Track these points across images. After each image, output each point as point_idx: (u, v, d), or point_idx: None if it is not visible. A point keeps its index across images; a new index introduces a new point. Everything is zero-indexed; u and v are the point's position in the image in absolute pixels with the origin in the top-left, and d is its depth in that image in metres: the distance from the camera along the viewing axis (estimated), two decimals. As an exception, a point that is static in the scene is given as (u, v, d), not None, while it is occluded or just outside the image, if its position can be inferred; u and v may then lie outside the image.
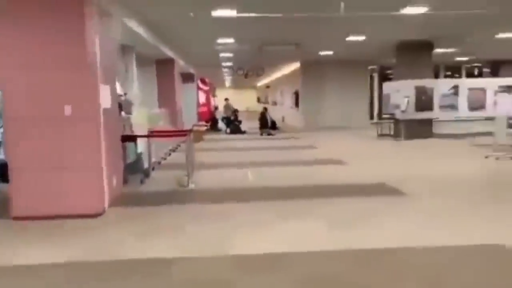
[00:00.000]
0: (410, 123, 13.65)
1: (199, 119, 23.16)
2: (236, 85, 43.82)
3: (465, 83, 14.00)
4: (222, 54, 15.94)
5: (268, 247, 4.17)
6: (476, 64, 24.34)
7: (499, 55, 20.18)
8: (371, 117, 21.50)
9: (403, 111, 13.65)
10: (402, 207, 5.57)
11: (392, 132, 14.74)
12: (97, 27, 5.74)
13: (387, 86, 15.53)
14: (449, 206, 5.57)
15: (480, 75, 23.69)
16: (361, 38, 12.49)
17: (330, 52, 16.33)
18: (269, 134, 16.84)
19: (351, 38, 12.52)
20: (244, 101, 47.78)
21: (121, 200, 6.26)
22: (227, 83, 40.94)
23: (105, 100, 5.94)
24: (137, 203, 6.19)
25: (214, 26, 10.28)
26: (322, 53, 16.38)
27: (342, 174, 8.14)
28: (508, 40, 13.28)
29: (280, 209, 5.62)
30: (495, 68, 22.81)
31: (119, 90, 7.95)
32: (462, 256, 3.88)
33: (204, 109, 27.48)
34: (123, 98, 8.03)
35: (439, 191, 6.47)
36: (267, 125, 17.59)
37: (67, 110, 5.36)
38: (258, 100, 47.52)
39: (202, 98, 26.73)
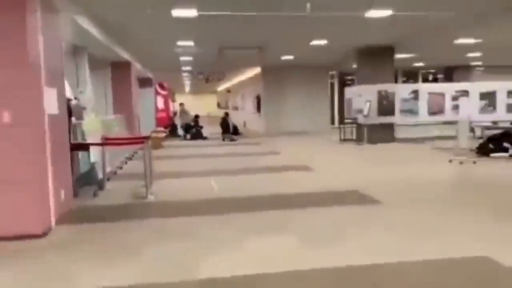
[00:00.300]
0: (372, 127, 13.65)
1: (158, 125, 22.39)
2: (196, 90, 43.07)
3: (425, 88, 14.15)
4: (182, 58, 15.36)
5: (238, 268, 3.72)
6: (431, 70, 25.08)
7: (453, 61, 20.83)
8: (332, 122, 21.57)
9: (365, 116, 13.61)
10: (379, 218, 5.28)
11: (354, 137, 14.71)
12: (41, 23, 5.10)
13: (349, 91, 15.51)
14: (427, 214, 5.34)
15: (435, 80, 24.40)
16: (324, 42, 12.33)
17: (291, 57, 16.14)
18: (231, 140, 16.39)
19: (315, 42, 12.34)
20: (204, 106, 47.10)
21: (71, 217, 5.62)
22: (187, 88, 40.14)
23: (51, 104, 5.29)
24: (89, 219, 5.56)
25: (173, 27, 9.75)
26: (284, 57, 16.16)
27: (310, 181, 7.83)
28: (465, 45, 13.58)
29: (249, 222, 5.19)
30: (449, 74, 23.55)
31: (69, 94, 7.26)
32: (451, 270, 3.60)
33: (163, 114, 26.64)
34: (73, 102, 7.32)
35: (413, 198, 6.26)
36: (229, 130, 17.15)
37: (5, 116, 4.68)
38: (219, 105, 46.97)
39: (160, 103, 25.95)
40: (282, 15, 8.69)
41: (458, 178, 8.09)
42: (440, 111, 14.15)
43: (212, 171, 9.15)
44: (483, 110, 14.12)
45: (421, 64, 21.19)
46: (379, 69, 13.97)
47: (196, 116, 18.39)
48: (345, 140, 14.68)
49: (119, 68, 13.07)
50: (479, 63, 22.13)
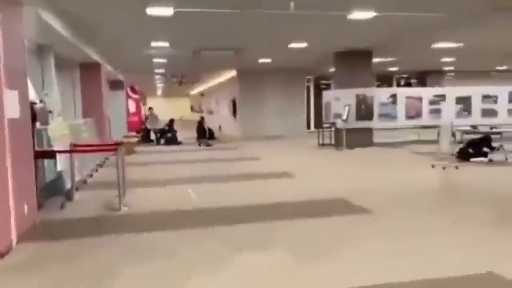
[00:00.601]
0: (351, 132, 13.47)
1: (129, 130, 21.65)
2: (168, 93, 42.26)
3: (403, 92, 14.12)
4: (155, 60, 14.79)
5: (228, 292, 3.31)
6: (404, 75, 25.34)
7: (427, 66, 21.07)
8: (308, 127, 21.39)
9: (344, 120, 13.43)
10: (372, 228, 4.96)
11: (332, 141, 14.51)
12: (0, 17, 4.55)
13: (327, 95, 15.32)
14: (422, 227, 5.04)
15: (409, 85, 24.64)
16: (303, 45, 12.07)
17: (269, 60, 15.84)
18: (207, 145, 15.88)
19: (293, 45, 12.06)
20: (177, 110, 46.31)
21: (35, 233, 5.05)
22: (159, 91, 39.29)
23: (12, 108, 4.73)
24: (56, 236, 5.01)
25: (148, 26, 9.23)
26: (261, 60, 15.83)
27: (294, 188, 7.48)
28: (443, 50, 13.62)
29: (234, 237, 4.77)
30: (422, 79, 23.85)
31: (33, 96, 6.66)
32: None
33: (135, 118, 25.93)
34: (38, 106, 6.73)
35: (403, 207, 5.99)
36: (204, 135, 16.66)
37: (-43, 121, 4.12)
38: (192, 109, 46.26)
39: (132, 107, 25.19)
40: (263, 15, 8.36)
41: (444, 185, 7.92)
42: (418, 115, 14.15)
43: (189, 178, 8.68)
44: (458, 114, 14.23)
45: (395, 68, 21.35)
46: (358, 73, 13.83)
47: (171, 121, 17.80)
48: (323, 145, 14.46)
49: (89, 70, 12.41)
50: (451, 68, 22.51)
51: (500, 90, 14.68)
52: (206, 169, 10.03)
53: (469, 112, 14.34)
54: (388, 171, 9.28)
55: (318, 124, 22.55)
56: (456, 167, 9.06)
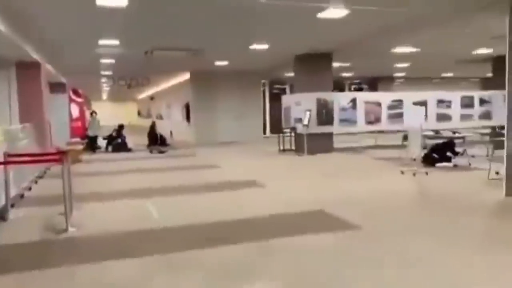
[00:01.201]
0: (311, 137, 13.08)
1: (72, 135, 20.06)
2: (114, 97, 40.31)
3: (362, 97, 13.96)
4: (103, 60, 13.62)
5: None
6: (355, 80, 25.65)
7: (380, 72, 21.37)
8: (264, 132, 20.93)
9: (305, 125, 13.01)
10: (371, 251, 4.33)
11: (293, 147, 14.07)
12: None
13: (287, 99, 14.89)
14: (419, 243, 4.57)
15: (360, 90, 24.94)
16: (264, 46, 11.52)
17: (226, 62, 15.16)
18: (160, 152, 14.88)
19: (255, 46, 11.47)
20: (124, 115, 44.22)
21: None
22: (105, 95, 37.33)
23: None
24: (-15, 270, 4.01)
25: (96, 21, 8.26)
26: (218, 63, 15.12)
27: (267, 199, 6.84)
28: (400, 55, 13.63)
29: (211, 265, 4.03)
30: (373, 84, 24.24)
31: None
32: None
33: (78, 124, 24.22)
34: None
35: (388, 219, 5.54)
36: (157, 141, 15.62)
37: None
38: (139, 113, 44.43)
39: (75, 111, 23.48)
40: (226, 12, 7.70)
41: (421, 193, 7.54)
42: (377, 120, 14.05)
43: (146, 190, 7.78)
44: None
45: (349, 74, 21.45)
46: (318, 77, 13.48)
47: (120, 126, 16.57)
48: (284, 150, 13.96)
49: (27, 70, 11.04)
50: (402, 74, 23.03)
51: (453, 95, 14.96)
52: (163, 180, 9.14)
53: (426, 117, 14.45)
54: (358, 178, 8.88)
55: (275, 129, 22.24)
56: (426, 173, 8.84)
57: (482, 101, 15.08)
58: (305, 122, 13.03)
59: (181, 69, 17.93)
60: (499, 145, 9.23)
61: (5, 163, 5.61)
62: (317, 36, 10.28)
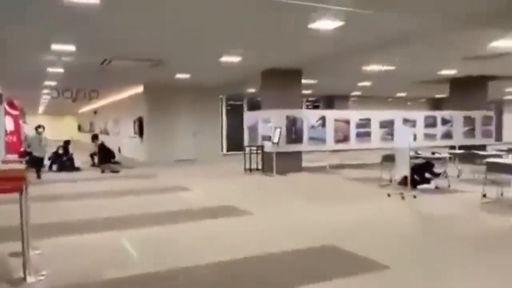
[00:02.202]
0: (280, 156, 12.41)
1: (7, 152, 17.92)
2: (52, 111, 37.40)
3: (331, 114, 13.56)
4: (50, 69, 12.11)
5: None
6: (311, 98, 25.56)
7: (337, 91, 21.35)
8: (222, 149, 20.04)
9: (275, 143, 12.32)
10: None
11: (258, 166, 13.28)
12: None
13: (251, 116, 14.14)
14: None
15: (317, 107, 24.84)
16: (236, 59, 10.75)
17: (187, 76, 14.19)
18: (113, 171, 13.46)
19: (225, 58, 10.67)
20: (63, 129, 41.37)
21: None
22: (41, 108, 34.49)
23: None
24: None
25: (55, 21, 7.06)
26: (178, 76, 14.10)
27: (261, 232, 5.98)
28: (370, 73, 13.45)
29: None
30: (329, 102, 24.23)
31: None
32: None
33: (13, 138, 21.93)
34: None
35: (410, 254, 4.90)
36: (109, 159, 14.17)
37: None
38: (80, 128, 41.64)
39: (9, 125, 21.20)
40: (202, 16, 6.87)
41: (423, 219, 7.01)
42: (345, 139, 13.69)
43: (115, 220, 6.62)
44: (383, 138, 14.17)
45: (307, 91, 21.21)
46: (287, 93, 12.94)
47: (66, 142, 14.94)
48: (250, 170, 13.14)
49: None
50: (357, 93, 23.23)
51: (417, 115, 15.05)
52: (131, 206, 7.94)
53: (392, 136, 14.35)
54: (345, 202, 8.25)
55: (232, 146, 21.42)
56: (414, 196, 8.41)
57: (444, 121, 15.29)
58: (275, 140, 12.34)
59: (134, 81, 16.63)
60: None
61: None
62: (299, 48, 9.65)
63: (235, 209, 7.41)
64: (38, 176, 11.81)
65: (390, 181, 10.22)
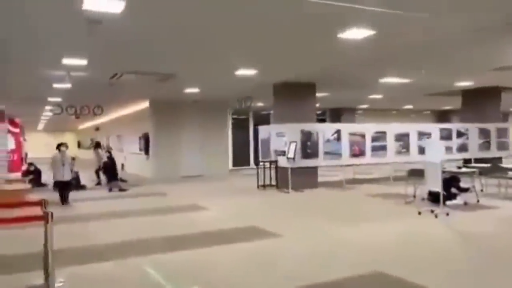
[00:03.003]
0: (295, 171, 11.98)
1: (9, 170, 17.41)
2: (51, 127, 36.89)
3: (346, 128, 13.16)
4: (56, 85, 11.71)
5: None
6: (318, 111, 25.24)
7: (345, 103, 21.03)
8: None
9: (291, 158, 11.89)
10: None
11: (272, 182, 12.81)
12: None
13: (265, 130, 13.73)
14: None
15: (323, 121, 24.50)
16: (252, 72, 10.39)
17: (196, 90, 13.81)
18: (120, 189, 12.97)
19: (241, 72, 10.30)
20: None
21: None
22: (41, 125, 34.01)
23: None
24: None
25: (69, 33, 6.67)
26: (188, 90, 13.73)
27: (297, 256, 5.51)
28: (386, 84, 13.11)
29: None
30: (336, 115, 23.89)
31: None
32: None
33: (14, 156, 21.44)
34: None
35: (462, 278, 4.45)
36: (116, 176, 13.67)
37: None
38: (79, 145, 41.06)
39: (11, 143, 20.72)
40: (222, 31, 6.51)
41: (464, 240, 6.48)
42: (361, 153, 13.28)
43: (135, 244, 6.14)
44: (398, 152, 13.79)
45: (317, 105, 20.90)
46: (301, 107, 12.58)
47: (72, 159, 14.42)
48: (264, 186, 12.67)
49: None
50: (364, 106, 22.94)
51: (433, 127, 14.70)
52: (148, 227, 7.47)
53: (407, 149, 13.99)
54: (377, 222, 7.75)
55: (238, 161, 20.98)
56: (447, 214, 7.97)
57: (459, 134, 14.94)
58: (290, 155, 11.92)
59: (140, 96, 16.26)
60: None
61: None
62: (319, 60, 9.28)
63: (262, 230, 6.94)
64: (63, 201, 10.18)
65: (414, 196, 9.83)
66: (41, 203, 4.30)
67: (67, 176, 10.34)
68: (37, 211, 4.41)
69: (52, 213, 3.73)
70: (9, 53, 7.93)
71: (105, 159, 14.31)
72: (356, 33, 6.73)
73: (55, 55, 8.14)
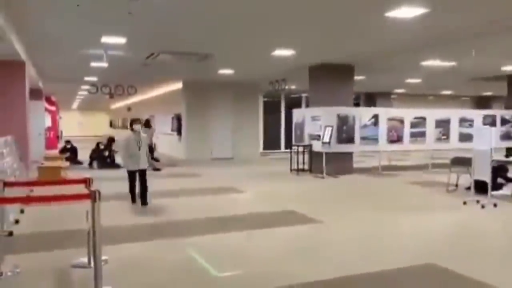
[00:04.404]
0: (330, 156, 11.69)
1: (46, 147, 17.91)
2: (85, 106, 37.68)
3: (385, 113, 12.72)
4: (94, 64, 11.77)
5: None
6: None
7: (379, 88, 20.42)
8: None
9: (326, 143, 11.61)
10: None
11: (305, 166, 12.59)
12: None
13: (299, 113, 13.46)
14: None
15: (357, 105, 23.93)
16: (289, 53, 10.10)
17: (231, 71, 13.64)
18: (154, 169, 12.98)
19: (277, 52, 10.03)
20: (95, 125, 41.75)
21: None
22: (75, 104, 34.76)
23: None
24: None
25: (107, 10, 6.58)
26: (222, 71, 13.57)
27: (340, 244, 5.33)
28: (430, 68, 12.55)
29: None
30: (370, 100, 23.28)
31: None
32: None
33: (51, 134, 22.03)
34: None
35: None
36: (152, 155, 13.72)
37: None
38: (111, 124, 41.86)
39: (47, 121, 21.26)
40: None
41: None
42: (399, 139, 12.84)
43: (172, 225, 6.10)
44: (437, 139, 13.28)
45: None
46: (338, 90, 12.21)
47: (109, 140, 14.64)
48: (298, 170, 12.46)
49: (7, 69, 9.14)
50: (400, 91, 22.23)
51: (475, 114, 14.07)
52: (187, 208, 7.51)
53: (447, 136, 13.45)
54: (423, 212, 7.34)
55: (269, 145, 20.81)
56: (495, 205, 7.58)
57: (504, 121, 14.24)
58: (326, 139, 11.64)
59: (174, 77, 16.25)
60: None
61: (22, 200, 3.82)
62: (362, 41, 8.91)
63: (301, 215, 6.78)
64: (138, 200, 7.67)
65: (456, 186, 9.43)
66: (86, 181, 4.25)
67: (143, 164, 7.57)
68: (77, 189, 4.37)
69: (99, 191, 3.65)
70: (59, 32, 7.95)
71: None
72: (406, 12, 6.35)
73: (94, 33, 8.09)
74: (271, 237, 5.60)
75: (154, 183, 10.50)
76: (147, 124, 14.59)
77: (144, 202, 7.59)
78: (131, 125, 7.87)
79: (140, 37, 8.58)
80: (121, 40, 8.64)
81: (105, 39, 8.52)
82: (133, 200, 7.71)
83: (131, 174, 7.65)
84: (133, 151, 7.51)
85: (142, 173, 7.61)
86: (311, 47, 9.75)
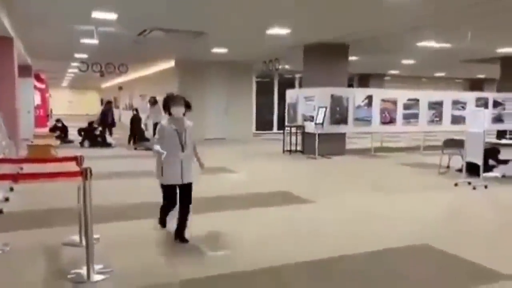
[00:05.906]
0: (322, 137, 11.67)
1: (36, 125, 17.65)
2: (75, 84, 37.13)
3: (378, 94, 12.67)
4: (84, 40, 11.51)
5: None
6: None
7: (372, 69, 20.32)
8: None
9: (318, 124, 11.57)
10: None
11: (298, 147, 12.57)
12: None
13: (292, 94, 13.37)
14: None
15: (351, 86, 23.86)
16: (285, 31, 9.95)
17: (225, 50, 13.44)
18: (147, 149, 12.93)
19: (272, 31, 9.87)
20: (85, 104, 41.23)
21: None
22: (65, 82, 34.23)
23: None
24: None
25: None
26: (216, 50, 13.37)
27: (333, 224, 5.33)
28: (424, 49, 12.48)
29: None
30: (364, 81, 23.22)
31: None
32: None
33: (40, 112, 21.73)
34: None
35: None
36: (143, 135, 13.64)
37: None
38: (102, 103, 41.35)
39: (37, 98, 20.91)
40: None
41: (509, 215, 6.30)
42: (392, 120, 12.85)
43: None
44: (430, 121, 13.31)
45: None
46: (332, 70, 12.10)
47: (108, 103, 14.52)
48: (290, 151, 12.44)
49: (-6, 45, 8.92)
50: (394, 72, 22.16)
51: (468, 96, 14.08)
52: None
53: (440, 119, 13.48)
54: (414, 193, 7.38)
55: (261, 125, 20.73)
56: (485, 186, 7.65)
57: (496, 103, 14.28)
58: (319, 120, 11.60)
59: (166, 55, 16.00)
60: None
61: (11, 177, 3.74)
62: (357, 20, 8.78)
63: (294, 196, 6.78)
64: (178, 236, 4.58)
65: (447, 167, 9.49)
66: (77, 159, 4.17)
67: (187, 175, 4.50)
68: (68, 167, 4.30)
69: (90, 169, 3.58)
70: (48, 6, 7.71)
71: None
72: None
73: (84, 8, 7.87)
74: (263, 217, 5.60)
75: (146, 163, 10.47)
76: (155, 101, 13.06)
77: (180, 236, 4.48)
78: (167, 106, 4.55)
79: (131, 13, 8.37)
80: (112, 16, 8.43)
81: (96, 15, 8.29)
82: (163, 223, 4.89)
83: (168, 190, 4.59)
84: (172, 151, 4.35)
85: (187, 189, 4.54)
86: (307, 26, 9.60)
